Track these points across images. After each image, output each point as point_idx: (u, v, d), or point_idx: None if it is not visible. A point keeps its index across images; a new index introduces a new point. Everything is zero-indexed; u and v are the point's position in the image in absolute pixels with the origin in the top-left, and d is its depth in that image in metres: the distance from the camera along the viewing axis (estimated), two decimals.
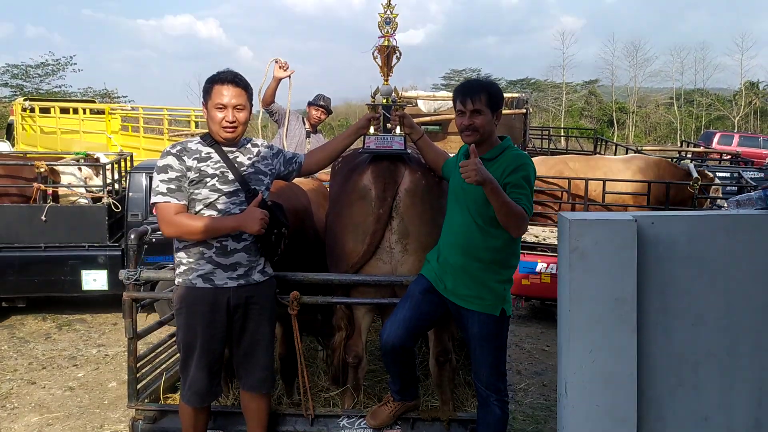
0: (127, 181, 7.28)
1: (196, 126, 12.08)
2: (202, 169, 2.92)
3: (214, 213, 2.92)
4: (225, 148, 3.01)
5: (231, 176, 2.96)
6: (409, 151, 3.41)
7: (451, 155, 3.41)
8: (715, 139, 24.93)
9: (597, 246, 2.68)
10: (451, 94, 8.82)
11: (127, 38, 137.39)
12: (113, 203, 7.10)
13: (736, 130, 34.92)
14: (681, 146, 19.84)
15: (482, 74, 53.59)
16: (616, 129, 47.27)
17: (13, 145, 11.78)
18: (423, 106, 12.38)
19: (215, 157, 2.97)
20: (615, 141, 19.46)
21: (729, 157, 14.66)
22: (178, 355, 4.05)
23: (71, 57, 36.07)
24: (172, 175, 2.90)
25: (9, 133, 13.92)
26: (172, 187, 2.89)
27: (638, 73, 52.30)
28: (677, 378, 2.80)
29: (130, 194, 7.17)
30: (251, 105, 3.07)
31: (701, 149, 17.28)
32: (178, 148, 2.97)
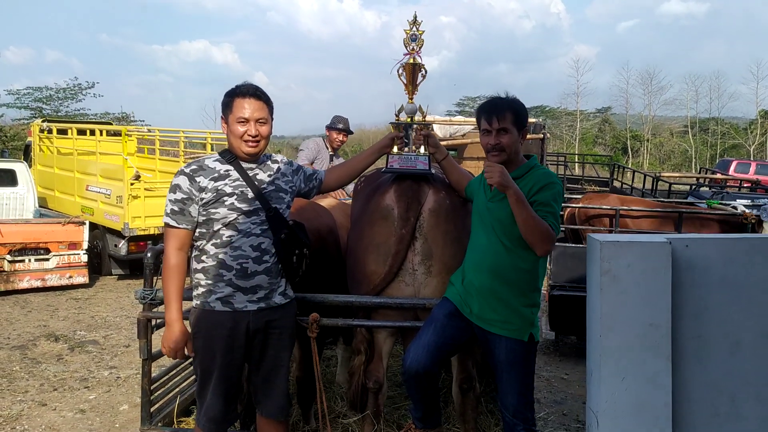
0: None
1: (212, 149, 12.10)
2: (219, 188, 2.84)
3: (234, 233, 2.84)
4: (244, 165, 2.93)
5: (250, 194, 2.88)
6: (433, 171, 3.33)
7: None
8: (732, 167, 24.73)
9: (630, 269, 2.59)
10: (468, 119, 8.78)
11: (142, 63, 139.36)
12: None
13: (752, 158, 34.68)
14: (699, 173, 19.64)
15: None
16: (630, 157, 47.09)
17: (30, 166, 11.84)
18: (439, 130, 12.31)
19: (234, 174, 2.89)
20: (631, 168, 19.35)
21: (749, 184, 14.48)
22: (192, 377, 3.97)
23: (94, 84, 36.39)
24: (178, 196, 2.83)
25: (27, 154, 14.03)
26: (176, 209, 2.83)
27: (653, 101, 52.29)
28: (713, 408, 2.69)
29: None
30: (272, 119, 3.00)
31: (720, 176, 17.10)
32: (193, 167, 2.89)
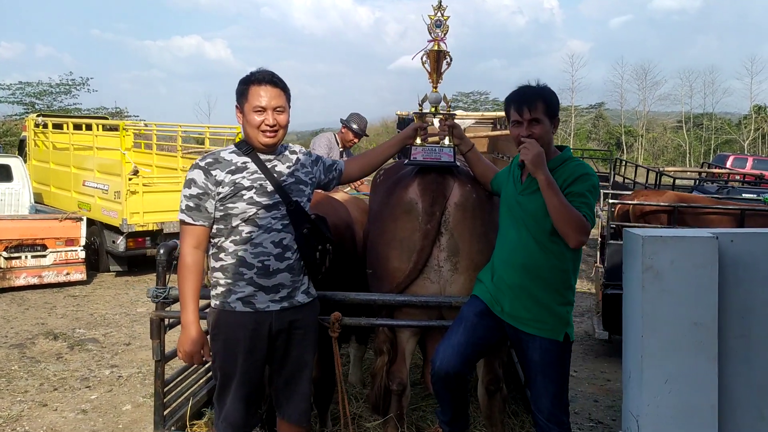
0: None
1: (210, 144, 11.94)
2: (237, 181, 2.68)
3: (254, 229, 2.69)
4: (262, 156, 2.77)
5: (270, 187, 2.73)
6: (458, 163, 3.20)
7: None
8: (729, 162, 24.63)
9: (673, 265, 2.47)
10: (469, 113, 8.67)
11: (135, 58, 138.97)
12: None
13: (746, 153, 34.63)
14: (702, 167, 19.51)
15: (490, 97, 53.69)
16: (624, 152, 47.04)
17: (25, 161, 11.64)
18: (439, 124, 12.16)
19: (251, 167, 2.74)
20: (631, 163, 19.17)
21: (751, 178, 14.39)
22: (204, 378, 3.83)
23: (87, 79, 36.13)
24: (194, 191, 2.68)
25: (21, 149, 13.82)
26: (191, 204, 2.69)
27: (647, 97, 52.21)
28: (759, 411, 2.58)
29: None
30: (290, 107, 2.85)
31: (723, 170, 16.99)
32: (209, 160, 2.74)
